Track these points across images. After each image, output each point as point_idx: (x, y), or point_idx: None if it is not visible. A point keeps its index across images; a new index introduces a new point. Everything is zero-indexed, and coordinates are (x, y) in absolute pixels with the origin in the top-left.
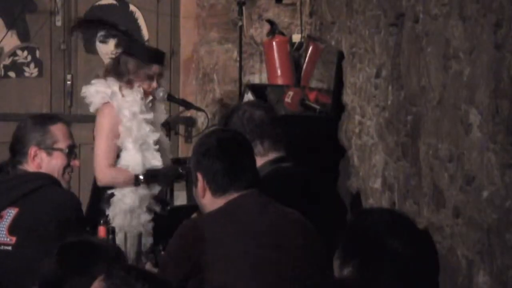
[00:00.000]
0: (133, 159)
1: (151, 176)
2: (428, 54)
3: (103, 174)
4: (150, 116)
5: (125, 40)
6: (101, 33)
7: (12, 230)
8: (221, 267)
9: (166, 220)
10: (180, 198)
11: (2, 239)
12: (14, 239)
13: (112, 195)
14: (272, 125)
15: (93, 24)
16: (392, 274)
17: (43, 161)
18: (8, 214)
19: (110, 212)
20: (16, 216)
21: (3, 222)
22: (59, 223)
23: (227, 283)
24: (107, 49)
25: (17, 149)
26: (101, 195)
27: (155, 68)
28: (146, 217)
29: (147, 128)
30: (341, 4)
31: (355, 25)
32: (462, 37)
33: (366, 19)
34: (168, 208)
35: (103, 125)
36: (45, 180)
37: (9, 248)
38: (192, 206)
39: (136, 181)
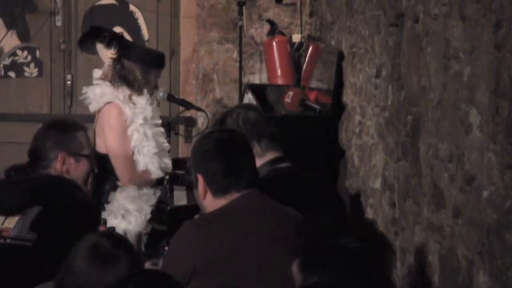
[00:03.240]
0: (151, 163)
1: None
2: (428, 54)
3: (131, 177)
4: (158, 120)
5: (124, 45)
6: (103, 41)
7: (34, 227)
8: (222, 267)
9: (166, 220)
10: (180, 198)
11: (23, 234)
12: (35, 235)
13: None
14: (268, 124)
15: (96, 32)
16: (355, 269)
17: (71, 167)
18: (31, 211)
19: (107, 210)
20: (39, 214)
21: (26, 219)
22: (79, 227)
23: (228, 283)
24: (107, 51)
25: (42, 154)
26: (101, 195)
27: (160, 72)
28: (145, 217)
29: (157, 130)
30: (341, 4)
31: (355, 25)
32: (462, 37)
33: (366, 19)
34: (168, 208)
35: (116, 128)
36: (69, 184)
37: (29, 244)
38: (192, 206)
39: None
